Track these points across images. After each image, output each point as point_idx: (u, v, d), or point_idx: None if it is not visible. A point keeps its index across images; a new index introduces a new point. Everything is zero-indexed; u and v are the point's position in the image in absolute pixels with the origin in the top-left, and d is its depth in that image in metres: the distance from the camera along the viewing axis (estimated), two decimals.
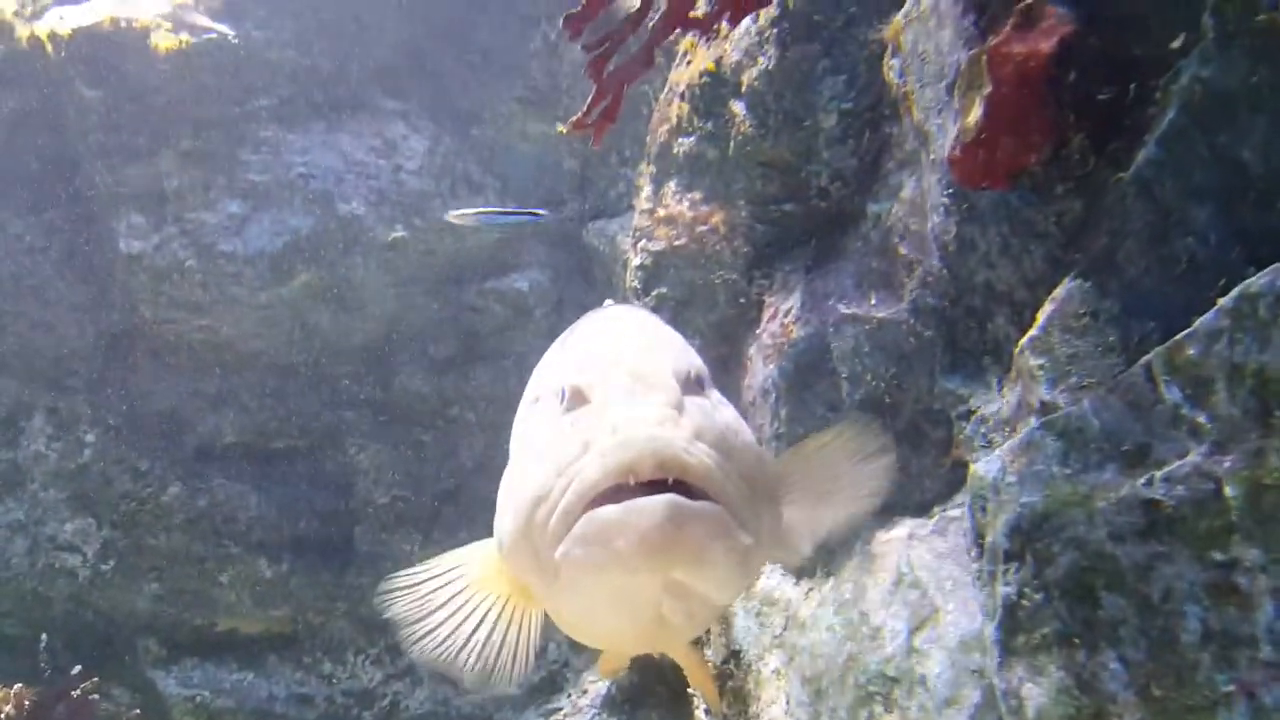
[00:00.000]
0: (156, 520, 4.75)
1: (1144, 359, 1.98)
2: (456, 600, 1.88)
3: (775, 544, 1.78)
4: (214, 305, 4.82)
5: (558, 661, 4.48)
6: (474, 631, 1.86)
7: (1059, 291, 2.43)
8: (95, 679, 4.24)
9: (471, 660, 1.86)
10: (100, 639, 4.70)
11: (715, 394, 1.78)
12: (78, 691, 4.14)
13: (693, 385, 1.68)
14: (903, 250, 3.25)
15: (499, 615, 1.86)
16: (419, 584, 1.92)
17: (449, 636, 1.87)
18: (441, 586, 1.90)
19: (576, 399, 1.65)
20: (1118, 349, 2.29)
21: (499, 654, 1.86)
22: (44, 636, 4.42)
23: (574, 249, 5.22)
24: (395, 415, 5.06)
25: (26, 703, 3.92)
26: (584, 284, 4.93)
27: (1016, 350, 2.50)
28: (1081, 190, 2.41)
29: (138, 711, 4.36)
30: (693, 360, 1.77)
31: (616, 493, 1.47)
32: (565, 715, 4.16)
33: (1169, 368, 1.90)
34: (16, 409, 4.82)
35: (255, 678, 4.65)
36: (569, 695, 4.20)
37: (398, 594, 1.91)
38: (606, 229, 5.04)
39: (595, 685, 4.15)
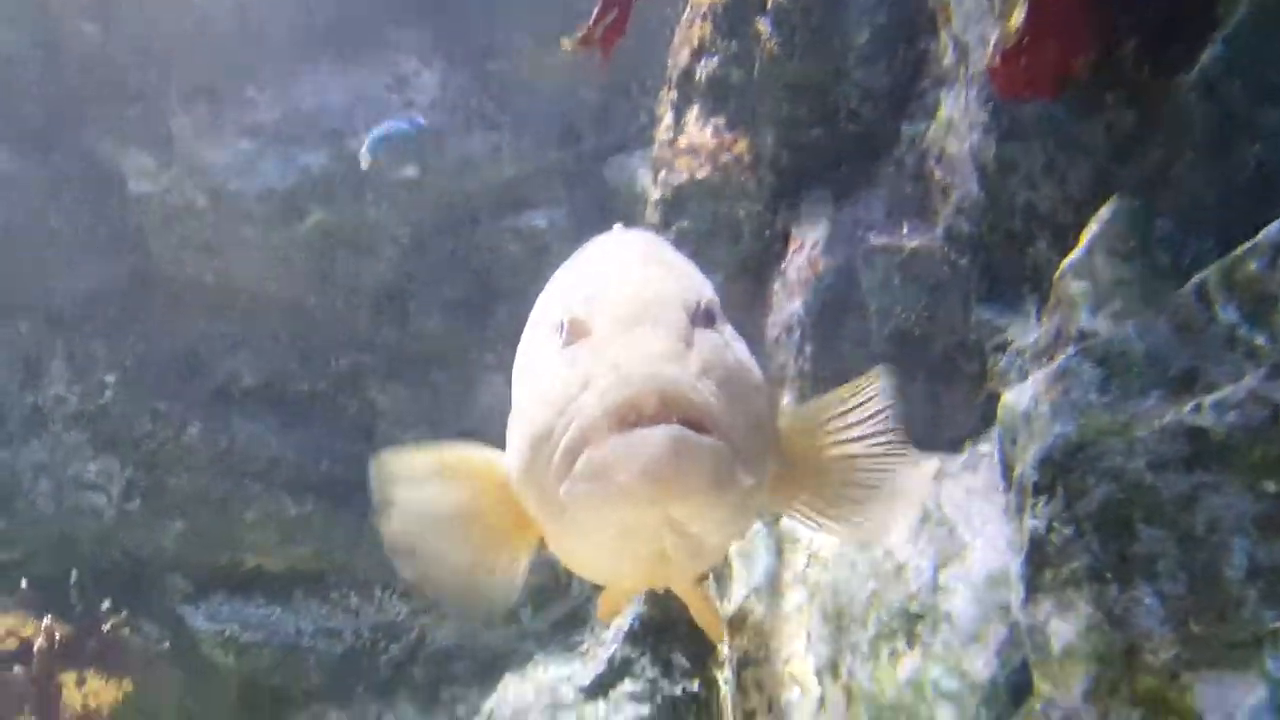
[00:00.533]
0: (178, 461, 4.78)
1: (1197, 276, 1.84)
2: (458, 515, 1.81)
3: (774, 490, 1.69)
4: (226, 246, 4.77)
5: (581, 595, 4.49)
6: (466, 549, 1.80)
7: (1105, 211, 2.29)
8: (125, 614, 4.32)
9: (458, 576, 1.80)
10: (129, 576, 4.76)
11: (727, 328, 1.68)
12: (108, 626, 4.22)
13: (702, 317, 1.58)
14: (938, 174, 3.11)
15: (497, 540, 1.80)
16: (417, 479, 1.83)
17: (439, 548, 1.81)
18: (446, 494, 1.83)
19: (577, 331, 1.56)
20: (1168, 271, 2.16)
21: (487, 575, 1.80)
22: (74, 574, 4.50)
23: (593, 185, 5.08)
24: (413, 358, 5.01)
25: (58, 635, 4.01)
26: (603, 221, 4.75)
27: (1056, 276, 2.37)
28: (1135, 99, 2.25)
29: (167, 645, 4.44)
30: (703, 290, 1.66)
31: (620, 429, 1.39)
32: (588, 648, 4.17)
33: (1226, 285, 1.76)
34: (36, 352, 4.84)
35: (283, 613, 4.71)
36: (592, 629, 4.21)
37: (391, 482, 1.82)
38: (627, 164, 4.89)
39: (617, 620, 4.14)
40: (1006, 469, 2.14)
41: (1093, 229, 2.32)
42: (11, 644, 3.99)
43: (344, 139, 4.83)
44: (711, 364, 1.49)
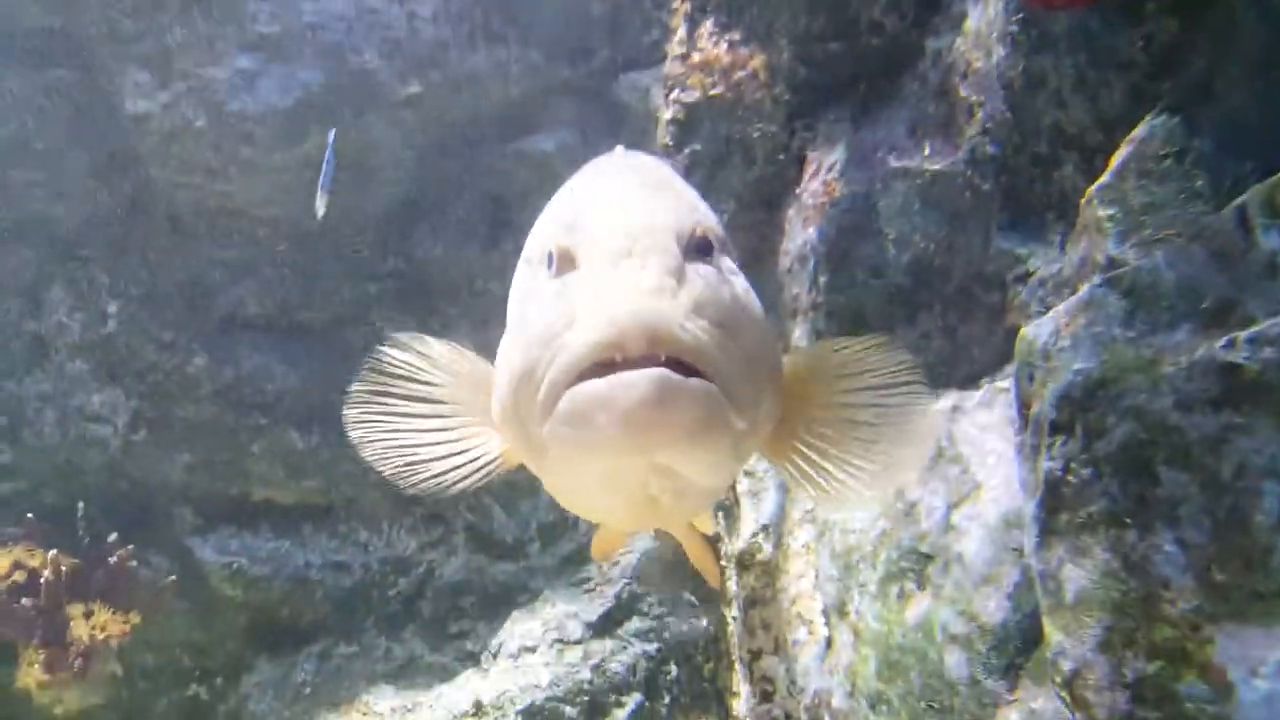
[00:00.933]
0: (184, 391, 4.73)
1: (1237, 200, 1.70)
2: (439, 415, 1.77)
3: (771, 432, 1.59)
4: (227, 168, 4.63)
5: (589, 532, 4.46)
6: (439, 442, 1.76)
7: (1139, 130, 2.14)
8: (132, 547, 4.33)
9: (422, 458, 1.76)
10: (137, 508, 4.75)
11: (726, 260, 1.57)
12: (115, 558, 4.23)
13: (697, 248, 1.48)
14: (963, 91, 2.94)
15: (470, 443, 1.74)
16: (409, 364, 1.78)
17: (412, 435, 1.76)
18: (434, 385, 1.78)
19: (565, 262, 1.48)
20: (1205, 195, 2.01)
21: (451, 468, 1.75)
22: (80, 505, 4.48)
23: (605, 105, 4.87)
24: (420, 288, 4.90)
25: (64, 567, 4.03)
26: (614, 144, 4.56)
27: (1083, 200, 2.22)
28: (1177, 7, 2.09)
29: (174, 578, 4.47)
30: (700, 219, 1.55)
31: (605, 369, 1.31)
32: (595, 585, 4.16)
33: (1269, 209, 1.63)
34: (36, 279, 4.76)
35: (291, 546, 4.70)
36: (599, 566, 4.20)
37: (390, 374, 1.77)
38: (639, 82, 4.68)
39: (625, 556, 4.13)
40: (1023, 407, 2.03)
41: (1124, 150, 2.16)
42: (19, 576, 4.01)
43: (345, 54, 4.66)
44: (704, 299, 1.40)
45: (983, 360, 2.85)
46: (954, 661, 2.46)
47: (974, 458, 2.63)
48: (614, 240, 1.42)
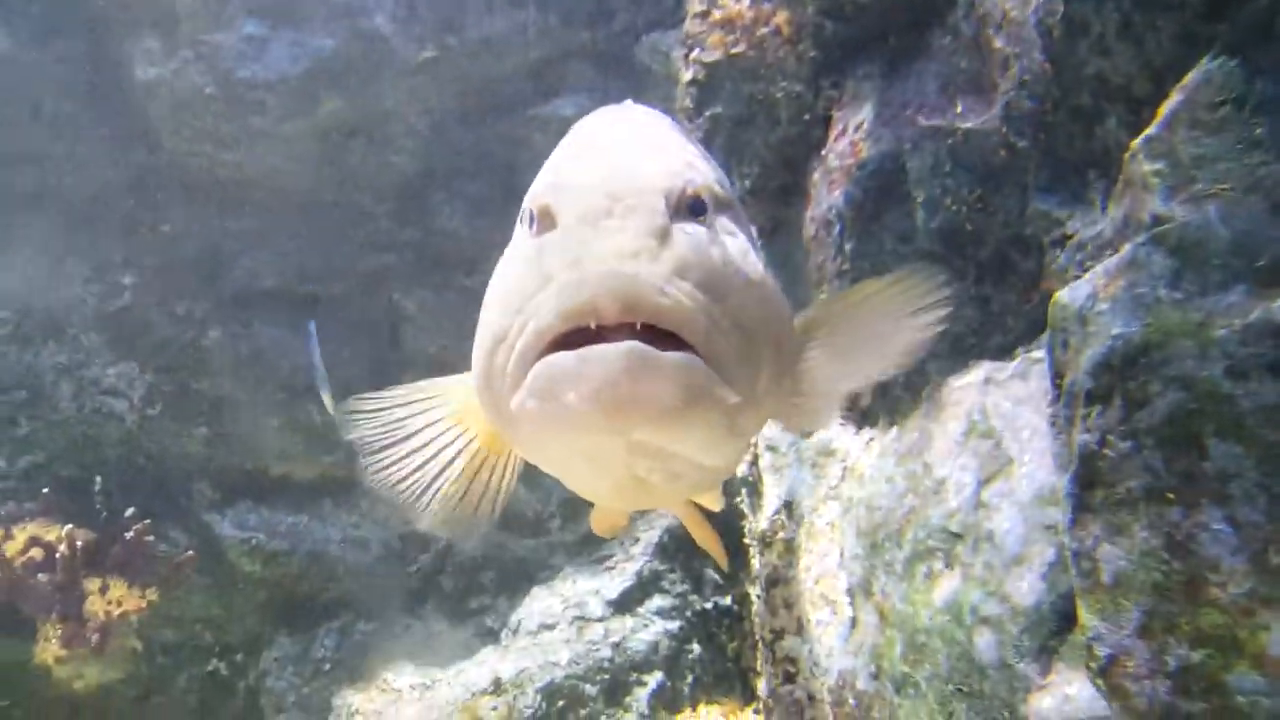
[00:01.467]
0: (200, 365, 4.74)
1: None
2: (428, 432, 1.72)
3: (781, 401, 1.47)
4: (238, 138, 4.59)
5: None
6: (442, 467, 1.72)
7: (1191, 76, 1.97)
8: (148, 521, 4.33)
9: (433, 495, 1.72)
10: (154, 482, 4.77)
11: (724, 220, 1.46)
12: (132, 533, 4.23)
13: (689, 207, 1.38)
14: (998, 43, 2.78)
15: (471, 453, 1.68)
16: (390, 408, 1.75)
17: (415, 467, 1.72)
18: (415, 414, 1.74)
19: (544, 221, 1.38)
20: (1265, 144, 1.84)
21: (465, 493, 1.69)
22: (98, 479, 4.49)
23: (626, 68, 4.73)
24: (437, 259, 4.83)
25: (80, 542, 4.04)
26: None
27: (1126, 155, 2.06)
28: None
29: (191, 552, 4.47)
30: (694, 176, 1.43)
31: (579, 338, 1.24)
32: (617, 561, 4.09)
33: None
34: (50, 250, 4.75)
35: (310, 521, 4.70)
36: (621, 543, 4.13)
37: (364, 415, 1.74)
38: (662, 43, 4.53)
39: (647, 534, 4.05)
40: (1056, 376, 1.89)
41: (1174, 99, 2.00)
42: (35, 552, 4.03)
43: (357, 19, 4.57)
44: (690, 261, 1.29)
45: (1018, 329, 2.72)
46: (984, 644, 2.35)
47: (1007, 432, 2.50)
48: (593, 198, 1.32)
